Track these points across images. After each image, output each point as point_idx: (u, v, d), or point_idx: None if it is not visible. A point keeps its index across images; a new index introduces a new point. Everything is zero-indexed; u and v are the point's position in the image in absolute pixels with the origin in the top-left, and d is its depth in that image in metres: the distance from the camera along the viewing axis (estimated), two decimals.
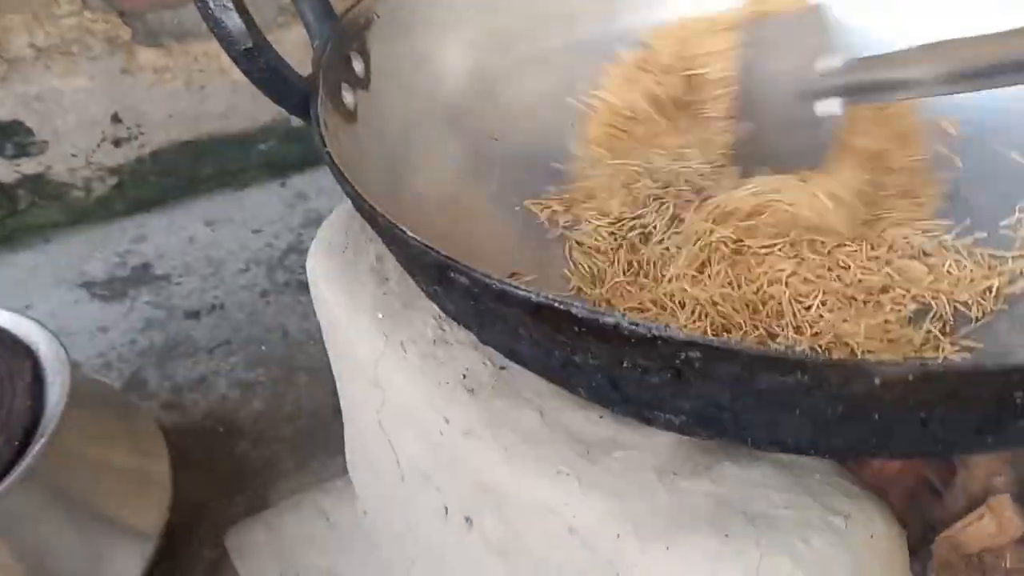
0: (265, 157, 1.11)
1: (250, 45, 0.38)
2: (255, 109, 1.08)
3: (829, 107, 0.46)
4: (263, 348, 0.88)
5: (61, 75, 0.94)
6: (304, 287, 0.95)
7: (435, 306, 0.48)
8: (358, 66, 0.46)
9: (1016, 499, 0.44)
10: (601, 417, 0.41)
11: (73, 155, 0.98)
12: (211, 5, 0.37)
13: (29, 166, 0.97)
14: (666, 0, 0.59)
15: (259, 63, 0.39)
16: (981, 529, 0.43)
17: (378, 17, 0.49)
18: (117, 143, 1.00)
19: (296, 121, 1.09)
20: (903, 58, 0.44)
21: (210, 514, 0.72)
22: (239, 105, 1.06)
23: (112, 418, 0.67)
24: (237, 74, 1.07)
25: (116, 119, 0.99)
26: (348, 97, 0.44)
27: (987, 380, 0.26)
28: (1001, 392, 0.27)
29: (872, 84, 0.45)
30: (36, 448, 0.55)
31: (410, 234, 0.33)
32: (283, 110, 1.08)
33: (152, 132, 1.02)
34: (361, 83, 0.46)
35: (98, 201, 1.02)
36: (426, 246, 0.32)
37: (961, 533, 0.44)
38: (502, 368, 0.45)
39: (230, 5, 0.37)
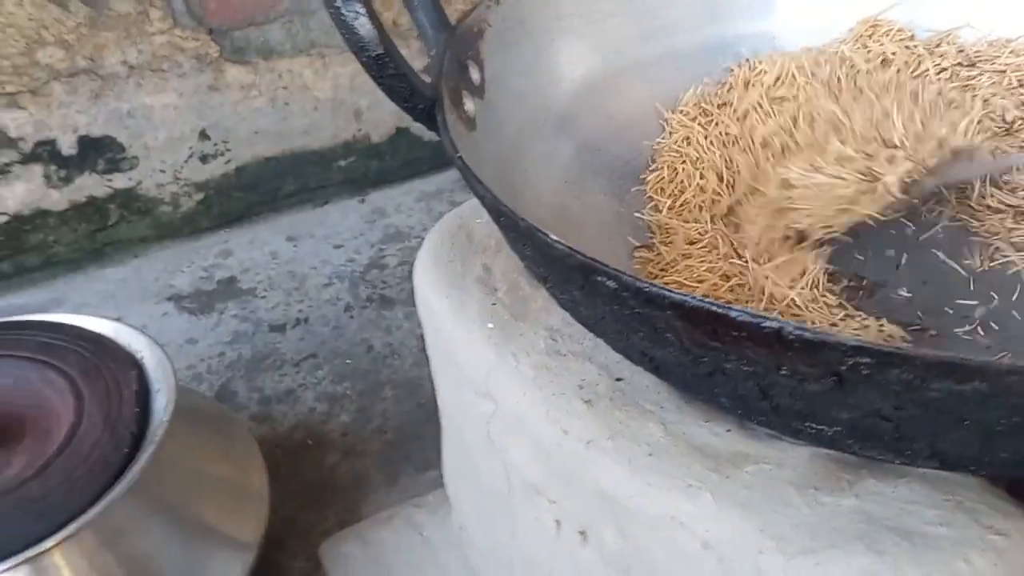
0: (344, 173, 1.12)
1: (381, 51, 0.38)
2: (335, 126, 1.09)
3: None
4: (348, 362, 0.89)
5: (152, 92, 0.96)
6: (387, 302, 0.96)
7: (546, 317, 0.48)
8: (475, 74, 0.46)
9: None
10: (728, 431, 0.40)
11: (162, 171, 1.00)
12: (344, 12, 0.37)
13: (120, 181, 0.99)
14: (765, 12, 0.59)
15: (389, 69, 0.39)
16: None
17: (490, 26, 0.49)
18: (204, 159, 1.02)
19: (375, 138, 1.11)
20: None
21: (302, 527, 0.72)
22: (320, 122, 1.08)
23: (210, 429, 0.67)
24: (319, 91, 1.09)
25: (204, 135, 1.01)
26: (469, 105, 0.44)
27: None
28: None
29: None
30: (144, 457, 0.55)
31: (553, 237, 0.32)
32: (363, 127, 1.09)
33: (237, 148, 1.03)
34: (478, 91, 0.46)
35: (185, 216, 1.04)
36: (571, 249, 0.31)
37: None
38: (618, 379, 0.44)
39: (362, 11, 0.37)
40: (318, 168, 1.09)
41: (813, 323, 0.42)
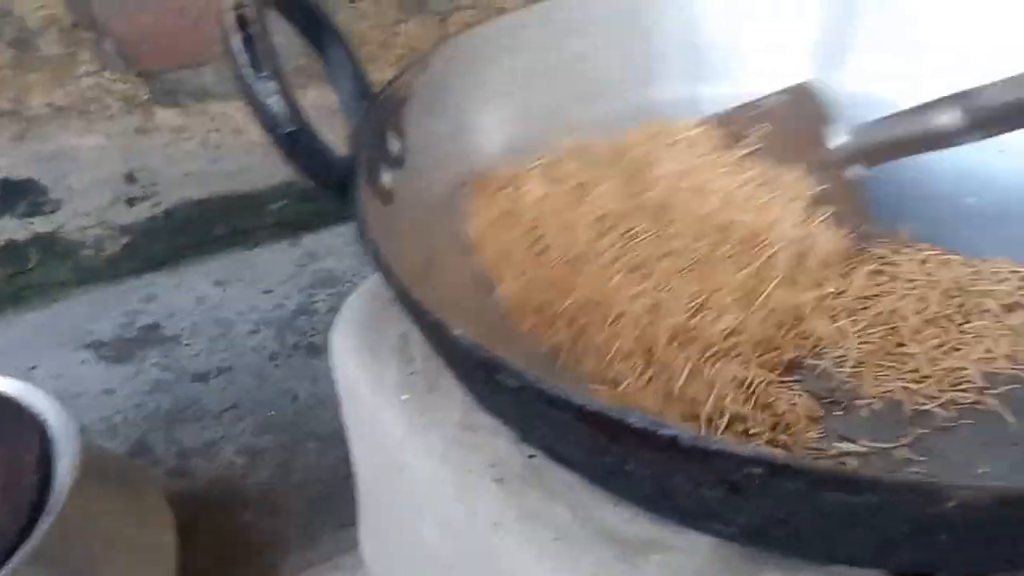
0: (276, 217, 1.10)
1: (294, 128, 0.38)
2: (267, 169, 1.07)
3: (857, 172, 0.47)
4: (271, 413, 0.87)
5: (77, 134, 0.94)
6: (314, 350, 0.95)
7: (461, 391, 0.48)
8: (395, 145, 0.46)
9: None
10: (636, 515, 0.40)
11: (86, 214, 0.98)
12: (256, 89, 0.37)
13: (41, 224, 0.96)
14: (680, 75, 0.60)
15: (301, 146, 0.38)
16: None
17: (415, 93, 0.49)
18: (130, 202, 1.00)
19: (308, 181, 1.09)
20: (917, 113, 0.45)
21: None
22: (252, 165, 1.06)
23: (119, 489, 0.65)
24: (251, 135, 1.07)
25: (130, 178, 0.99)
26: (386, 178, 0.44)
27: None
28: None
29: (892, 143, 0.46)
30: (43, 527, 0.53)
31: (457, 332, 0.32)
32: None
33: (166, 191, 1.02)
34: (397, 162, 0.46)
35: (108, 260, 1.01)
36: (474, 345, 0.31)
37: None
38: (531, 456, 0.44)
39: (275, 88, 0.37)
40: (250, 211, 1.08)
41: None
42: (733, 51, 0.60)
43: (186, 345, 0.95)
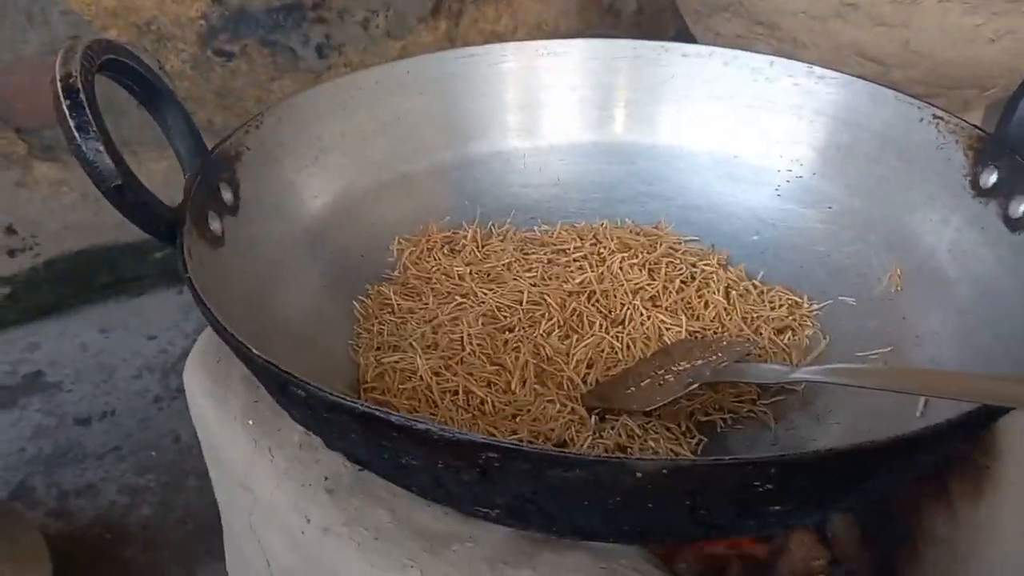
0: (161, 265, 1.13)
1: (120, 182, 0.42)
2: None
3: None
4: (153, 454, 0.90)
5: None
6: None
7: None
8: (226, 195, 0.51)
9: None
10: (446, 513, 0.45)
11: None
12: (84, 148, 0.41)
13: None
14: (493, 131, 0.67)
15: (128, 198, 0.43)
16: None
17: (248, 150, 0.54)
18: (11, 253, 1.02)
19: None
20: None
21: None
22: None
23: None
24: None
25: (11, 230, 1.01)
26: (215, 224, 0.48)
27: (728, 472, 0.32)
28: (742, 482, 0.32)
29: None
30: None
31: (255, 352, 0.37)
32: None
33: (46, 242, 1.04)
34: (229, 210, 0.50)
35: None
36: (267, 362, 0.36)
37: None
38: (360, 469, 0.49)
39: (101, 148, 0.42)
40: (133, 260, 1.11)
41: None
42: (536, 110, 0.67)
43: (69, 391, 0.97)
